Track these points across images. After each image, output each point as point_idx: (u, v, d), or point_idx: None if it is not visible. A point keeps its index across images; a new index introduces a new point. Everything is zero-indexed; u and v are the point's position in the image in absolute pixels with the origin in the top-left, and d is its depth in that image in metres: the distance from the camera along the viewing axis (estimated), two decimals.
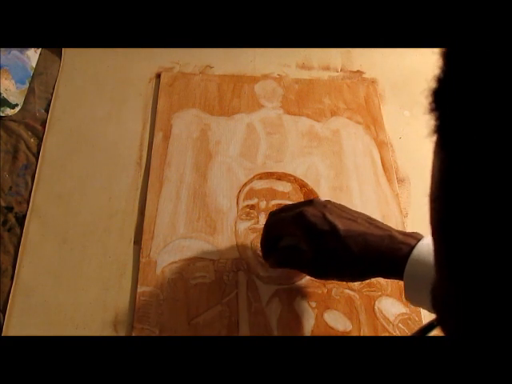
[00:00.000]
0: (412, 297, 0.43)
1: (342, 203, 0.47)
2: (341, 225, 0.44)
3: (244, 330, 0.50)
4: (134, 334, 0.49)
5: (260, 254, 0.54)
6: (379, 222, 0.46)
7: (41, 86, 0.66)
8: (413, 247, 0.42)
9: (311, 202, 0.48)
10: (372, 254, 0.43)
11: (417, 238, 0.43)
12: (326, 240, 0.44)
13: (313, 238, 0.45)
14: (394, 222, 0.58)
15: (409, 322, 0.52)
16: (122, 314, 0.50)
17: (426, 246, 0.42)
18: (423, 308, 0.45)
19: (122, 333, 0.49)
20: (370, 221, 0.45)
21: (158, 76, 0.68)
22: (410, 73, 0.73)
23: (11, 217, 0.56)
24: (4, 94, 0.62)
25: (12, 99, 0.63)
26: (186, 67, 0.69)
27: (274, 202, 0.57)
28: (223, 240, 0.55)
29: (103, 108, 0.64)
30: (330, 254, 0.45)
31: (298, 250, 0.48)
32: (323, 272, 0.47)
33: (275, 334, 0.50)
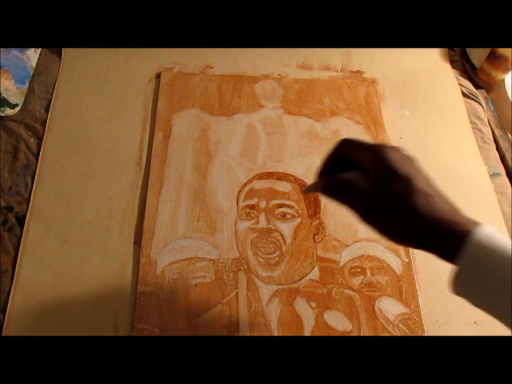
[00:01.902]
0: (462, 282, 0.37)
1: None
2: (418, 176, 0.41)
3: (244, 330, 0.50)
4: (134, 334, 0.49)
5: (260, 254, 0.54)
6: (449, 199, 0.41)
7: (41, 86, 0.66)
8: (478, 226, 0.37)
9: (395, 147, 0.43)
10: (433, 217, 0.39)
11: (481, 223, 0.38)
12: (397, 183, 0.41)
13: (383, 175, 0.41)
14: None
15: (409, 322, 0.52)
16: (122, 314, 0.50)
17: (492, 228, 0.37)
18: (467, 299, 0.38)
19: (121, 333, 0.49)
20: (441, 191, 0.41)
21: (158, 76, 0.68)
22: (409, 73, 0.73)
23: (11, 217, 0.56)
24: (4, 94, 0.62)
25: (12, 99, 0.63)
26: (185, 67, 0.69)
27: (273, 202, 0.57)
28: (223, 240, 0.55)
29: (103, 108, 0.64)
30: (393, 198, 0.41)
31: (356, 183, 0.43)
32: (375, 214, 0.43)
33: (275, 333, 0.50)
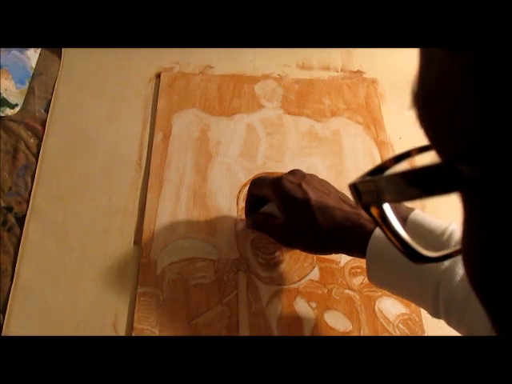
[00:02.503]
0: (374, 276, 0.44)
1: None
2: (313, 195, 0.46)
3: (244, 330, 0.50)
4: (134, 334, 0.48)
5: (260, 254, 0.54)
6: (352, 201, 0.47)
7: (41, 86, 0.66)
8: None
9: (293, 171, 0.50)
10: (337, 227, 0.45)
11: None
12: (296, 207, 0.46)
13: (285, 204, 0.47)
14: None
15: (409, 322, 0.52)
16: (121, 314, 0.50)
17: None
18: (386, 289, 0.45)
19: (121, 333, 0.49)
20: (342, 198, 0.47)
21: (158, 76, 0.68)
22: (410, 73, 0.72)
23: (11, 217, 0.56)
24: (4, 94, 0.62)
25: (12, 99, 0.63)
26: (185, 67, 0.69)
27: None
28: (223, 240, 0.55)
29: (103, 108, 0.64)
30: (298, 221, 0.47)
31: (272, 216, 0.51)
32: (290, 239, 0.49)
33: (275, 334, 0.50)
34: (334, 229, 0.44)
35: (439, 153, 0.17)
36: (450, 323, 0.39)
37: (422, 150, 0.23)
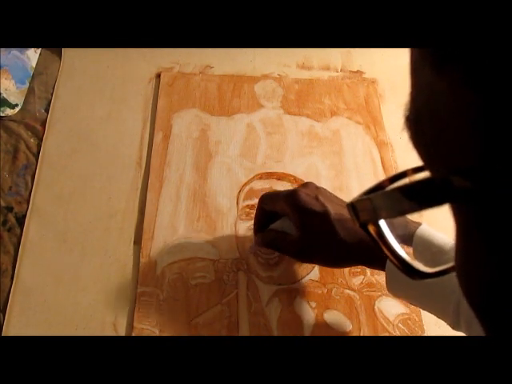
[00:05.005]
0: (394, 287, 0.43)
1: None
2: (332, 208, 0.45)
3: (244, 330, 0.50)
4: (133, 334, 0.49)
5: (260, 254, 0.54)
6: None
7: (41, 86, 0.66)
8: None
9: (306, 184, 0.49)
10: (357, 240, 0.44)
11: None
12: (315, 221, 0.45)
13: (302, 217, 0.46)
14: None
15: (409, 321, 0.52)
16: (121, 314, 0.50)
17: None
18: (405, 300, 0.45)
19: (122, 333, 0.49)
20: None
21: (158, 76, 0.68)
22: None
23: (11, 217, 0.56)
24: (4, 94, 0.62)
25: (12, 99, 0.63)
26: (185, 67, 0.69)
27: None
28: (223, 240, 0.55)
29: (103, 108, 0.64)
30: (317, 235, 0.46)
31: (285, 232, 0.49)
32: (307, 254, 0.48)
33: (275, 334, 0.50)
34: (354, 241, 0.43)
35: (433, 172, 0.18)
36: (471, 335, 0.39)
37: (417, 170, 0.23)
